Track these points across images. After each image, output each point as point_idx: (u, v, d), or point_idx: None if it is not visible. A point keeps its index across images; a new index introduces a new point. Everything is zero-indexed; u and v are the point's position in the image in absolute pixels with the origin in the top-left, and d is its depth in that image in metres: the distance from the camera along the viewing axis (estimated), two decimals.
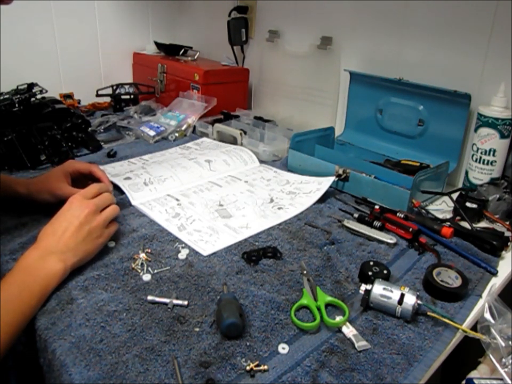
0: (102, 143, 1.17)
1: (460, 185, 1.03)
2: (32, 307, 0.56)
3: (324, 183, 0.93)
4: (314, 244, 0.76)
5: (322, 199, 0.90)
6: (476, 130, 0.94)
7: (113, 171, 0.98)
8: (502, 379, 0.53)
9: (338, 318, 0.58)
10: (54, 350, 0.52)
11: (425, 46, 1.03)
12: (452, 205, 0.87)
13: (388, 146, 1.11)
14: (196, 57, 1.49)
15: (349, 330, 0.56)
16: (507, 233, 0.78)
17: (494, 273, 0.70)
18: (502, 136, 0.90)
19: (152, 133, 1.23)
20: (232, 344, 0.54)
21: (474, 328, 0.59)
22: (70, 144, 1.08)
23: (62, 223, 0.64)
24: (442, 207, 0.93)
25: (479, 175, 0.95)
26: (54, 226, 0.64)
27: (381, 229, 0.80)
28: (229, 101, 1.40)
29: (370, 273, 0.65)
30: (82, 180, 0.82)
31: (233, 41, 1.44)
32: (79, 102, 1.40)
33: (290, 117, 1.34)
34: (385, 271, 0.66)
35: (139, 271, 0.66)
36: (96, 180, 0.81)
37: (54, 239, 0.62)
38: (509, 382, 0.52)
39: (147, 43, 1.61)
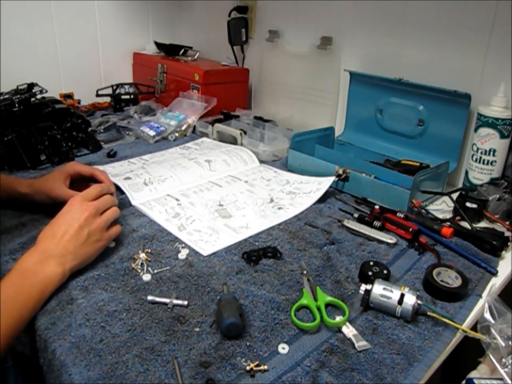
0: (102, 143, 1.17)
1: (460, 185, 1.03)
2: (29, 310, 0.55)
3: (324, 183, 0.93)
4: (314, 244, 0.76)
5: (322, 199, 0.90)
6: (475, 130, 0.94)
7: (113, 171, 0.98)
8: (502, 379, 0.53)
9: (338, 318, 0.58)
10: (54, 350, 0.52)
11: (425, 46, 1.03)
12: (452, 205, 0.87)
13: (388, 146, 1.11)
14: (195, 57, 1.49)
15: (349, 330, 0.56)
16: (507, 233, 0.78)
17: (494, 273, 0.70)
18: (502, 136, 0.90)
19: (152, 133, 1.23)
20: (232, 344, 0.54)
21: (474, 328, 0.58)
22: (70, 144, 1.08)
23: (62, 225, 0.63)
24: (442, 207, 0.93)
25: (479, 175, 0.95)
26: (53, 229, 0.63)
27: (381, 229, 0.80)
28: (229, 101, 1.40)
29: (370, 273, 0.65)
30: (82, 182, 0.80)
31: (233, 41, 1.44)
32: (79, 102, 1.40)
33: (290, 117, 1.34)
34: (385, 271, 0.66)
35: (139, 271, 0.66)
36: (98, 183, 0.78)
37: (53, 242, 0.61)
38: (509, 382, 0.52)
39: (147, 43, 1.61)
